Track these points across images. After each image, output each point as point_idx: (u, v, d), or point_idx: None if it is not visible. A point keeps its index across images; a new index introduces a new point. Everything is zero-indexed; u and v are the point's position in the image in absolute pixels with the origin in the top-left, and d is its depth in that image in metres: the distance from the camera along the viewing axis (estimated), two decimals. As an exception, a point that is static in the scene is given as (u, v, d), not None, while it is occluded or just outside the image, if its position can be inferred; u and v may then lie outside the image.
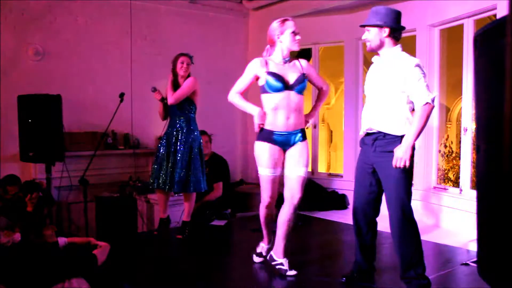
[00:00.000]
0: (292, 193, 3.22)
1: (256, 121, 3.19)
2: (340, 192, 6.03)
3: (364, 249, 3.12)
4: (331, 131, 12.41)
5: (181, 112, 4.27)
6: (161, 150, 4.28)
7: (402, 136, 2.82)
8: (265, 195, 3.28)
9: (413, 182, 2.99)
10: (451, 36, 5.36)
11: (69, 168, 4.87)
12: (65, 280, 2.67)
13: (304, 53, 8.37)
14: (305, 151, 3.25)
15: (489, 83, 1.13)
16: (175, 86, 4.25)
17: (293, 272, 3.28)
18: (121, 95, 4.66)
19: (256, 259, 3.59)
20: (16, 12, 5.13)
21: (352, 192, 5.88)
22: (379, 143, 2.90)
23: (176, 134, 4.25)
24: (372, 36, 2.93)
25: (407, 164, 2.76)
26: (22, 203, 4.06)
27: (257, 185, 5.96)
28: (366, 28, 2.94)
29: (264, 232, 3.54)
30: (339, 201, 5.90)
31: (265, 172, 3.22)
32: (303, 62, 3.31)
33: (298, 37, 3.20)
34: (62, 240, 3.27)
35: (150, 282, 3.29)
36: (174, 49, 4.52)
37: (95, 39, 5.60)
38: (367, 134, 3.00)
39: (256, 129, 3.23)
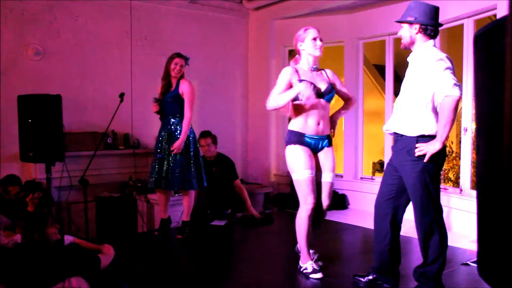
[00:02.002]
0: (322, 198, 3.25)
1: (306, 93, 3.02)
2: (340, 192, 6.03)
3: (381, 251, 2.98)
4: (331, 131, 12.41)
5: (173, 114, 4.31)
6: (158, 150, 4.35)
7: (418, 137, 2.73)
8: (310, 198, 3.15)
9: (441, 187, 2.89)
10: (451, 36, 5.36)
11: (69, 168, 4.85)
12: (66, 279, 2.67)
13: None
14: (331, 156, 3.31)
15: (489, 83, 1.13)
16: (168, 85, 4.32)
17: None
18: (121, 95, 4.67)
19: (315, 275, 3.22)
20: (16, 12, 5.13)
21: (352, 192, 5.96)
22: (397, 144, 2.86)
23: (170, 134, 4.29)
24: (403, 32, 2.84)
25: (426, 157, 2.65)
26: (23, 203, 4.06)
27: (257, 184, 5.90)
28: (401, 24, 2.84)
29: (305, 249, 3.28)
30: (339, 201, 5.90)
31: (305, 174, 3.13)
32: (329, 72, 3.39)
33: (318, 42, 3.21)
34: (68, 238, 3.27)
35: (150, 282, 3.29)
36: (174, 49, 4.51)
37: (95, 39, 5.60)
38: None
39: (305, 99, 3.06)
